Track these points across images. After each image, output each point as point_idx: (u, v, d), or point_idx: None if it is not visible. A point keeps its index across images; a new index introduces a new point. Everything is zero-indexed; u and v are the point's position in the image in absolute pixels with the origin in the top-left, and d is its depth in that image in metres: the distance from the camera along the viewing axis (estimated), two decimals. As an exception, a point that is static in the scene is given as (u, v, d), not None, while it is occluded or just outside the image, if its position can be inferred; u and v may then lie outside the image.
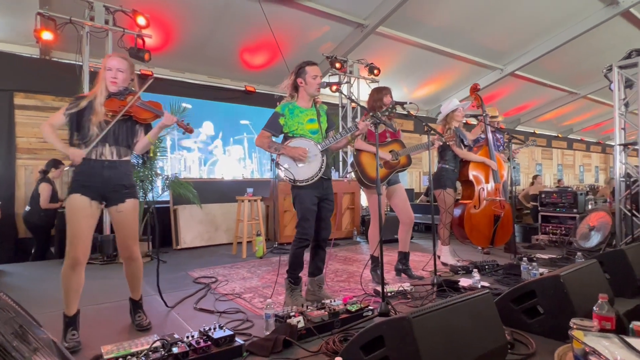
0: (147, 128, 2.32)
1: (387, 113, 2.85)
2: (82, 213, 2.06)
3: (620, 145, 4.73)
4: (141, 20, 4.93)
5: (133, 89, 2.28)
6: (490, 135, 4.30)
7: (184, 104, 5.58)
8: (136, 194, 2.27)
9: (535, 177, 8.87)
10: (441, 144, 3.50)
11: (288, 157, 2.64)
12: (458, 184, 4.33)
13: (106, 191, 2.14)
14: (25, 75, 5.43)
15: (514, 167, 4.28)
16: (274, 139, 2.74)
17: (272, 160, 2.72)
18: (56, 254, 4.82)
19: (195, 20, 5.76)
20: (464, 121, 4.24)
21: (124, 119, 2.19)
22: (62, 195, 5.05)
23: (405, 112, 3.18)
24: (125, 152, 2.22)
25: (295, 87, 2.76)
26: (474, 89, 4.47)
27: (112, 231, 4.25)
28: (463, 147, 4.09)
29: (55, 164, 5.05)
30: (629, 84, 4.77)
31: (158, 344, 1.76)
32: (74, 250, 2.03)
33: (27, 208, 4.85)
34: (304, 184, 2.63)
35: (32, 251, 5.00)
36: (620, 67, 4.71)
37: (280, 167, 2.64)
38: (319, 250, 2.79)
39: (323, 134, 2.78)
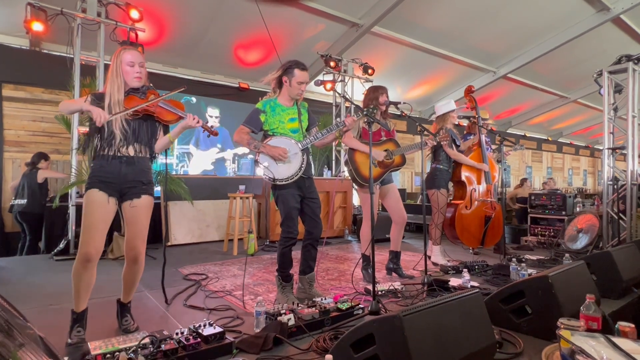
0: (167, 127, 2.30)
1: (369, 112, 2.71)
2: (98, 207, 2.03)
3: (608, 149, 4.80)
4: (134, 14, 4.87)
5: (151, 85, 2.26)
6: (483, 137, 4.34)
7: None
8: (152, 191, 2.24)
9: (524, 180, 8.97)
10: (435, 144, 3.52)
11: (268, 155, 2.63)
12: (450, 184, 4.37)
13: (123, 187, 2.12)
14: (15, 66, 5.33)
15: (504, 169, 4.33)
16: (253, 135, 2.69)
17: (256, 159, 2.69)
18: (45, 248, 4.75)
19: (189, 15, 5.71)
20: (457, 122, 4.28)
21: (144, 117, 2.17)
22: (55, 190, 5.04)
23: (399, 112, 3.20)
24: (145, 150, 2.20)
25: (280, 83, 2.74)
26: (469, 91, 4.50)
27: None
28: (455, 147, 4.12)
29: (44, 156, 4.99)
30: (618, 89, 4.84)
31: (147, 340, 1.74)
32: (85, 245, 1.98)
33: (22, 201, 4.74)
34: (283, 182, 2.63)
35: (21, 245, 4.92)
36: (610, 73, 4.78)
37: (260, 165, 2.63)
38: (310, 249, 2.78)
39: (303, 132, 2.77)
